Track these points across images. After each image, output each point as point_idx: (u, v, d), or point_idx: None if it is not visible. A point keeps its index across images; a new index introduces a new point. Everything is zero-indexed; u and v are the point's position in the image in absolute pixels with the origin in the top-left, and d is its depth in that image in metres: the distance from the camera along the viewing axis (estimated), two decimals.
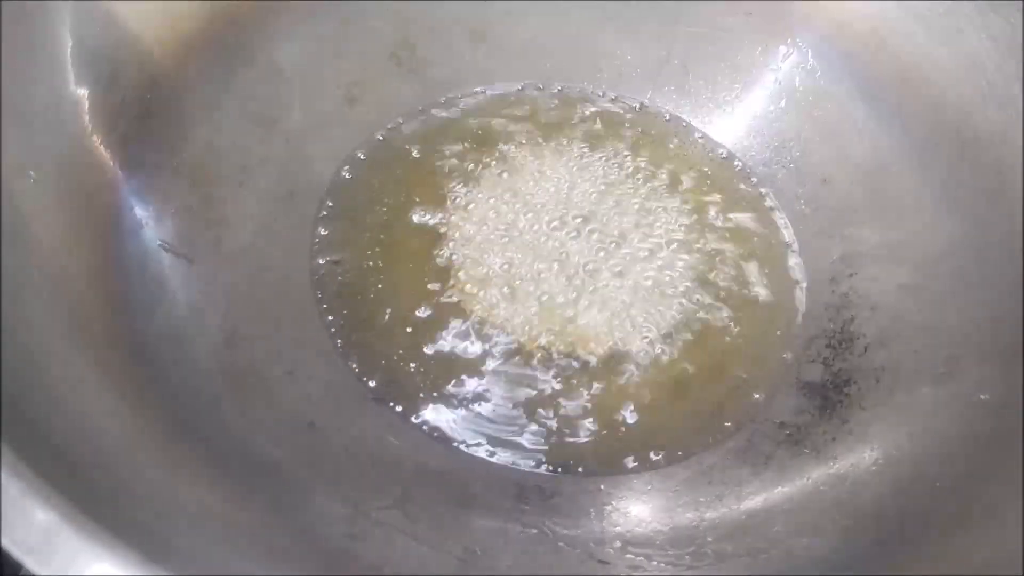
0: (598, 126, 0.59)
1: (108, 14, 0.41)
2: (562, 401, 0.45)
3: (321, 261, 0.49)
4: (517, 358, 0.47)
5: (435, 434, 0.44)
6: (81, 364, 0.33)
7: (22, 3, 0.36)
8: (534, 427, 0.44)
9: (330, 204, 0.52)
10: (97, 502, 0.24)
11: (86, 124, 0.39)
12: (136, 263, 0.39)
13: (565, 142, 0.57)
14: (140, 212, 0.41)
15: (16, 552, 0.21)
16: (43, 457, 0.25)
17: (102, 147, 0.39)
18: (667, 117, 0.60)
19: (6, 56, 0.35)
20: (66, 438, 0.29)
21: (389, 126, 0.56)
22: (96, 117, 0.39)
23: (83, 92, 0.39)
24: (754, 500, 0.41)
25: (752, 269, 0.53)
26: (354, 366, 0.45)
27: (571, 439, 0.44)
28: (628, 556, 0.38)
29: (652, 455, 0.44)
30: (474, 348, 0.47)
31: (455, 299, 0.49)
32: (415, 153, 0.55)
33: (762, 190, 0.57)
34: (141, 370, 0.35)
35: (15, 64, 0.35)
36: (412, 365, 0.46)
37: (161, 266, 0.41)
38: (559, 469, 0.43)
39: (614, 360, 0.47)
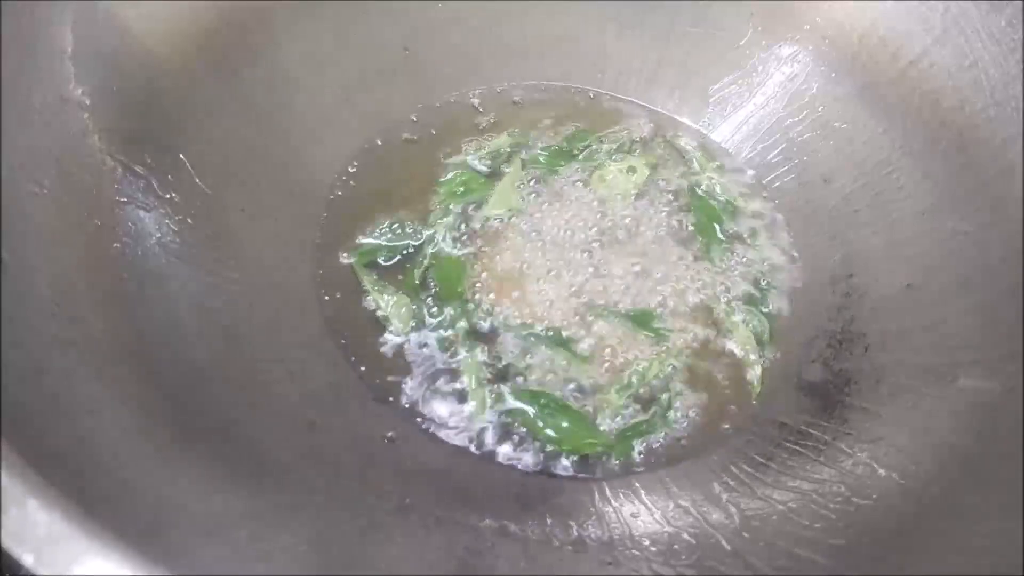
0: (598, 126, 0.59)
1: (108, 14, 0.41)
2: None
3: (322, 261, 0.49)
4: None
5: (437, 434, 0.44)
6: (82, 365, 0.33)
7: (22, 3, 0.36)
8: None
9: (331, 203, 0.52)
10: (97, 502, 0.24)
11: (86, 124, 0.39)
12: (136, 263, 0.39)
13: (564, 142, 0.57)
14: (140, 212, 0.41)
15: (16, 552, 0.21)
16: (44, 457, 0.25)
17: (102, 147, 0.39)
18: (667, 117, 0.60)
19: (6, 56, 0.35)
20: (67, 438, 0.29)
21: (390, 126, 0.56)
22: (96, 117, 0.39)
23: (83, 92, 0.39)
24: (755, 500, 0.41)
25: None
26: (355, 366, 0.46)
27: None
28: (629, 557, 0.38)
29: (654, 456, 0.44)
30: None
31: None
32: (416, 152, 0.55)
33: (762, 191, 0.57)
34: (141, 370, 0.35)
35: (15, 64, 0.35)
36: (415, 365, 0.46)
37: (161, 266, 0.41)
38: (561, 469, 0.43)
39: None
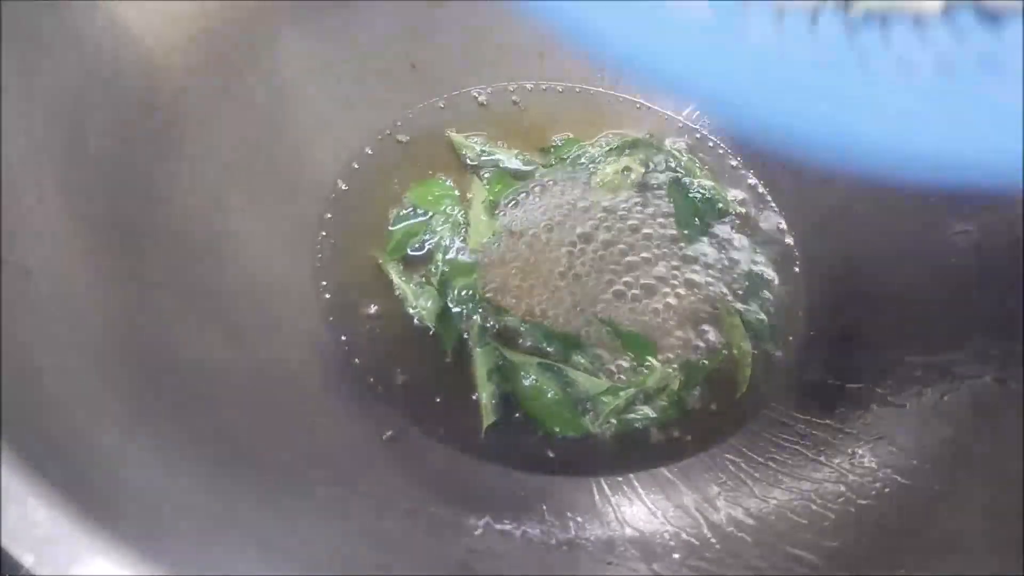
0: (598, 128, 0.59)
1: (108, 15, 0.41)
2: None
3: (323, 260, 0.49)
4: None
5: (437, 434, 0.44)
6: (82, 365, 0.33)
7: (23, 3, 0.36)
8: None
9: (332, 203, 0.52)
10: (97, 502, 0.24)
11: (86, 124, 0.39)
12: (136, 263, 0.39)
13: (563, 143, 0.57)
14: (140, 212, 0.41)
15: (16, 552, 0.21)
16: (44, 457, 0.25)
17: (102, 147, 0.39)
18: (667, 116, 0.60)
19: (7, 56, 0.35)
20: (67, 438, 0.29)
21: (390, 126, 0.56)
22: (95, 117, 0.39)
23: (83, 92, 0.39)
24: (755, 500, 0.41)
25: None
26: (355, 365, 0.46)
27: (576, 439, 0.44)
28: (628, 556, 0.38)
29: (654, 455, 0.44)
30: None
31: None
32: (416, 153, 0.55)
33: (761, 190, 0.57)
34: (141, 370, 0.35)
35: (16, 63, 0.35)
36: (415, 364, 0.46)
37: (162, 265, 0.41)
38: (561, 470, 0.43)
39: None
